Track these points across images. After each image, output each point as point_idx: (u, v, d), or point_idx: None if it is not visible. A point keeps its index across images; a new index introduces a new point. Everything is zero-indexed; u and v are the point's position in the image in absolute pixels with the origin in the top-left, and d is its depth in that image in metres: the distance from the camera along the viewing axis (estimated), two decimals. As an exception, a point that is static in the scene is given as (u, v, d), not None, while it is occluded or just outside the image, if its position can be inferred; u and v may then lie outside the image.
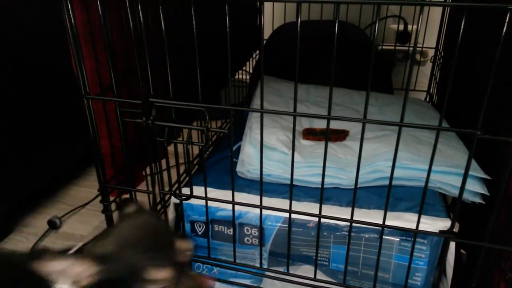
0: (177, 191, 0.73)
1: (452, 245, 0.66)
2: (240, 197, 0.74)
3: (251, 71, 1.56)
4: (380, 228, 0.64)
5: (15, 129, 1.04)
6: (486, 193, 0.72)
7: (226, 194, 0.74)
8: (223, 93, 1.50)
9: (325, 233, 0.72)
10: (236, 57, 1.39)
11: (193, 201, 0.74)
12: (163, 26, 0.61)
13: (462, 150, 0.82)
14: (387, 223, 0.63)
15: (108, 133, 0.74)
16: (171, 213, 0.79)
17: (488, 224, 0.57)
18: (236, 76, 1.61)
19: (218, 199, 0.71)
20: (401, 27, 1.69)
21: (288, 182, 0.65)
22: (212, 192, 0.76)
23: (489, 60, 0.49)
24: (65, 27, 0.65)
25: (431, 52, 1.49)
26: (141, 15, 0.61)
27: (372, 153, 0.81)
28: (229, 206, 0.72)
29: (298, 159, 0.80)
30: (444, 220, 0.68)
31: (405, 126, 0.55)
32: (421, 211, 0.60)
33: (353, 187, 0.64)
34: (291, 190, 0.65)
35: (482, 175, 0.73)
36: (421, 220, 0.62)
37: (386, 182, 0.76)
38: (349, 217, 0.64)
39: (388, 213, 0.63)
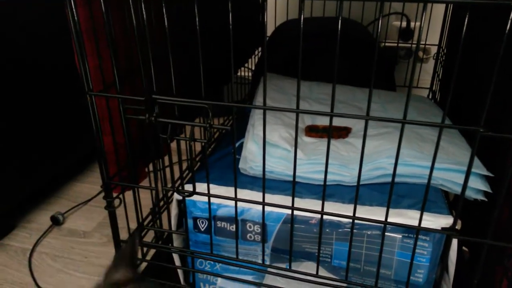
0: (180, 188, 0.74)
1: (454, 242, 0.66)
2: (243, 193, 0.75)
3: (253, 68, 1.56)
4: (382, 225, 0.64)
5: (18, 126, 1.05)
6: (489, 190, 0.72)
7: (228, 191, 0.74)
8: (225, 90, 1.50)
9: (327, 230, 0.72)
10: (238, 54, 1.39)
11: (195, 197, 0.74)
12: (166, 22, 0.61)
13: (464, 147, 0.82)
14: (389, 220, 0.63)
15: (111, 130, 0.74)
16: (173, 210, 0.80)
17: (490, 221, 0.57)
18: (239, 73, 1.62)
19: (220, 195, 0.71)
20: (404, 24, 1.68)
21: (291, 179, 0.65)
22: (215, 189, 0.76)
23: (492, 57, 0.49)
24: (68, 23, 0.66)
25: (434, 49, 1.49)
26: (144, 12, 0.61)
27: (375, 150, 0.81)
28: (232, 203, 0.72)
29: (301, 156, 0.80)
30: (447, 217, 0.68)
31: (408, 123, 0.55)
32: (423, 208, 0.60)
33: (355, 184, 0.64)
34: (294, 187, 0.65)
35: (485, 172, 0.73)
36: (424, 217, 0.62)
37: (389, 179, 0.76)
38: (351, 214, 0.64)
39: (391, 210, 0.63)
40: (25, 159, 1.09)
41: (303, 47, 0.55)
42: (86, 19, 0.67)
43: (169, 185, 0.76)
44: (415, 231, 0.65)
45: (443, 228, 0.65)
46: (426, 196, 0.59)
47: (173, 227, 0.81)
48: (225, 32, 0.59)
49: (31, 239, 1.08)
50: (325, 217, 0.68)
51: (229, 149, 0.93)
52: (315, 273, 0.72)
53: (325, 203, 0.65)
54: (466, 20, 0.49)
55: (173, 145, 0.72)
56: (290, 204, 0.67)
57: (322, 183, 0.64)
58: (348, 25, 1.45)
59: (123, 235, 0.81)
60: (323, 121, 0.94)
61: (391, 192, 0.60)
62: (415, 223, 0.63)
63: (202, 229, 0.79)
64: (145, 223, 0.82)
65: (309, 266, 0.75)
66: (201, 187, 0.73)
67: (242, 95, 1.59)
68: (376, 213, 0.69)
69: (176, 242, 0.83)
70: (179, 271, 0.85)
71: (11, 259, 1.02)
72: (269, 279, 0.79)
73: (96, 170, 0.76)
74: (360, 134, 0.88)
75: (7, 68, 0.99)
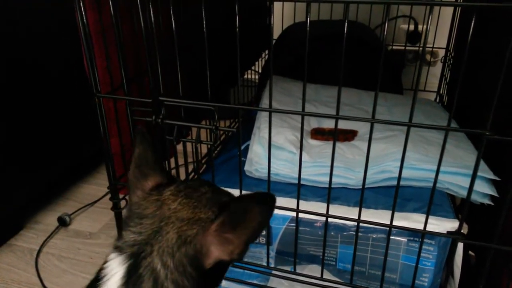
0: (186, 189, 0.74)
1: (460, 246, 0.65)
2: (248, 196, 0.75)
3: (260, 71, 1.56)
4: (387, 228, 0.64)
5: (25, 128, 1.06)
6: (495, 194, 0.71)
7: (234, 193, 0.74)
8: (232, 93, 1.50)
9: (332, 233, 0.72)
10: (245, 57, 1.40)
11: (201, 199, 0.74)
12: (173, 26, 0.61)
13: (471, 150, 0.81)
14: (394, 223, 0.63)
15: (118, 132, 0.75)
16: (179, 211, 0.80)
17: (497, 225, 0.57)
18: (245, 76, 1.62)
19: (226, 197, 0.72)
20: (412, 27, 1.68)
21: (296, 181, 0.65)
22: (220, 191, 0.77)
23: (500, 61, 0.48)
24: (77, 26, 0.66)
25: (441, 53, 1.48)
26: (152, 15, 0.62)
27: (381, 153, 0.80)
28: (237, 205, 0.72)
29: (306, 159, 0.80)
30: (452, 221, 0.68)
31: (414, 126, 0.55)
32: (429, 211, 0.60)
33: (360, 187, 0.64)
34: (299, 190, 0.65)
35: (491, 176, 0.72)
36: (429, 220, 0.61)
37: (394, 183, 0.76)
38: (356, 217, 0.64)
39: (396, 214, 0.62)
40: (33, 160, 1.10)
41: (309, 50, 0.55)
42: (95, 22, 0.68)
43: (175, 186, 0.76)
44: (421, 235, 0.65)
45: (448, 232, 0.65)
46: (431, 200, 0.59)
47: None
48: (232, 34, 0.59)
49: (38, 239, 1.09)
50: (330, 220, 0.68)
51: (235, 152, 0.93)
52: (319, 276, 0.72)
53: (330, 206, 0.65)
54: (473, 24, 0.49)
55: (179, 147, 0.72)
56: (295, 207, 0.67)
57: (327, 185, 0.64)
58: (355, 28, 1.45)
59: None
60: (330, 124, 0.94)
61: (396, 195, 0.60)
62: (420, 226, 0.63)
63: (208, 231, 0.79)
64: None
65: (313, 269, 0.74)
66: (206, 189, 0.73)
67: (249, 98, 1.59)
68: (381, 216, 0.69)
69: (182, 243, 0.83)
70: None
71: (19, 259, 1.03)
72: (273, 282, 0.79)
73: (103, 172, 0.77)
74: (366, 137, 0.88)
75: (14, 70, 1.00)
